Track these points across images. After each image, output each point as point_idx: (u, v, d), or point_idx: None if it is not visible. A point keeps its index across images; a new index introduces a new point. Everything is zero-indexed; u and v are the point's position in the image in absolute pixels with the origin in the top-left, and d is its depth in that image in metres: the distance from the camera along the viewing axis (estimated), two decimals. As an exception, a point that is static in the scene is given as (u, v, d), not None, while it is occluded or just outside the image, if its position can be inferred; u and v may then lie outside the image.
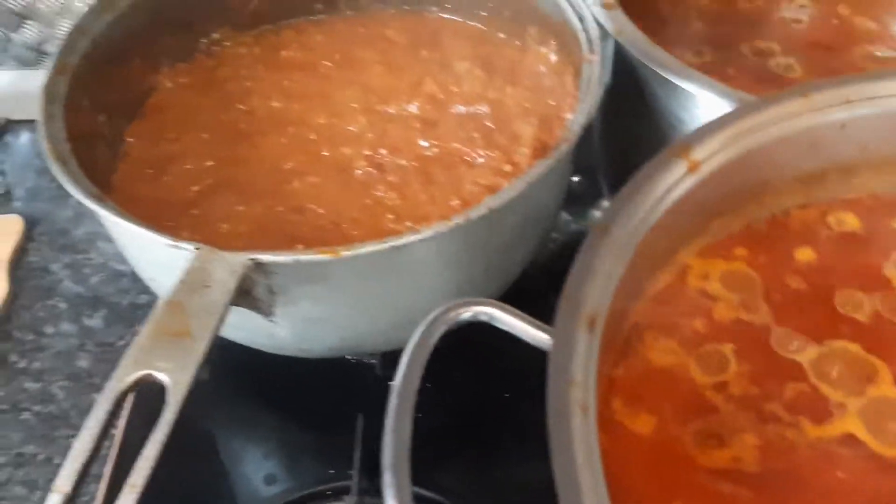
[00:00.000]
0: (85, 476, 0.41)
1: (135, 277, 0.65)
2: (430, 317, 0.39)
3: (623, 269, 0.39)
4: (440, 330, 0.39)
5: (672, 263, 0.46)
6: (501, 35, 0.75)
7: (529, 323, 0.38)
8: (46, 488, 0.65)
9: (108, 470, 0.66)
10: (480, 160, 0.64)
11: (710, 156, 0.43)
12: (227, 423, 0.70)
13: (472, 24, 0.77)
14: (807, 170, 0.48)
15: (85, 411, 0.69)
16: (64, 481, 0.40)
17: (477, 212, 0.51)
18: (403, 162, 0.64)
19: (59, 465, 0.67)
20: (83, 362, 0.74)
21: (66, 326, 0.77)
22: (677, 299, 0.45)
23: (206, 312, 0.46)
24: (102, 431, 0.42)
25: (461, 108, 0.68)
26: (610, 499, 0.36)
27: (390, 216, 0.61)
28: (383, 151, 0.65)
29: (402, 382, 0.37)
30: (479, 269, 0.56)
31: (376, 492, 0.61)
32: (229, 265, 0.48)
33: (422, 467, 0.61)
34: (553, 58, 0.69)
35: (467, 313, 0.39)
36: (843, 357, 0.42)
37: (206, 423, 0.68)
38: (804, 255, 0.47)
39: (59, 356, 0.75)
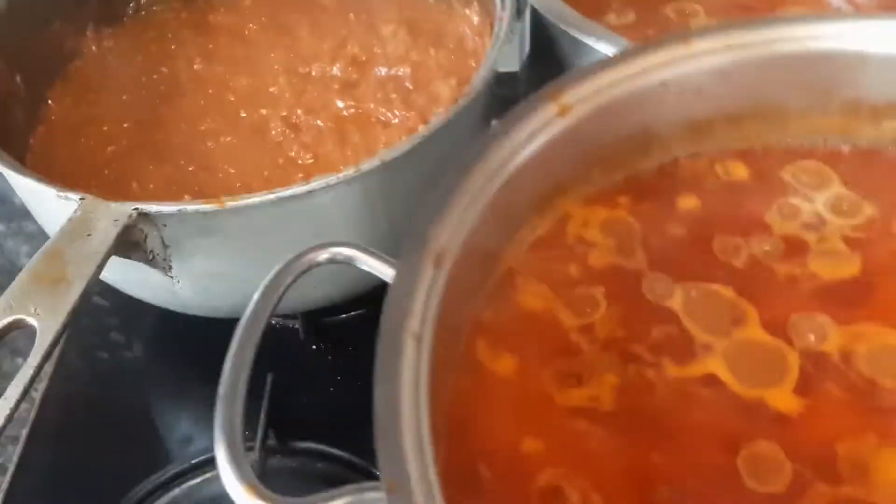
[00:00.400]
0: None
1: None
2: (285, 260, 0.38)
3: (481, 209, 0.39)
4: (296, 270, 0.39)
5: (552, 210, 0.45)
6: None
7: (384, 261, 0.38)
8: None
9: (25, 432, 0.66)
10: (396, 120, 0.64)
11: (583, 99, 0.43)
12: (159, 392, 0.70)
13: (401, -13, 0.76)
14: (695, 118, 0.47)
15: (4, 375, 0.71)
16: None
17: (368, 164, 0.50)
18: (319, 122, 0.64)
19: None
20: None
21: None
22: (554, 246, 0.45)
23: (84, 260, 0.46)
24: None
25: (382, 71, 0.68)
26: (461, 435, 0.36)
27: (300, 175, 0.61)
28: (300, 112, 0.65)
29: (248, 321, 0.37)
30: (381, 224, 0.56)
31: (281, 450, 0.61)
32: (112, 214, 0.48)
33: (347, 433, 0.62)
34: (475, 19, 0.69)
35: (325, 255, 0.39)
36: (713, 300, 0.42)
37: (140, 396, 0.67)
38: (687, 202, 0.46)
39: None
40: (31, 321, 0.43)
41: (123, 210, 0.48)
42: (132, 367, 0.71)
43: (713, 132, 0.48)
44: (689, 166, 0.48)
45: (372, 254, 0.39)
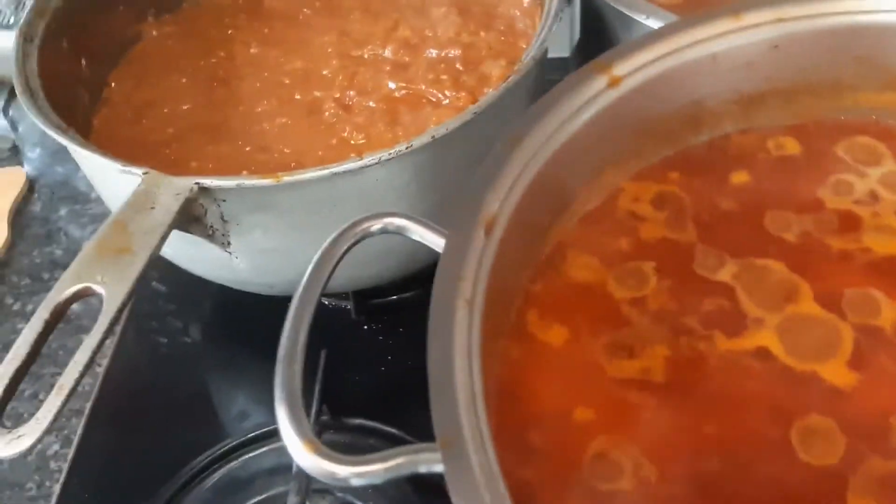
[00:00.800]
0: (18, 380, 0.43)
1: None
2: (341, 228, 0.39)
3: (530, 180, 0.39)
4: (350, 239, 0.40)
5: (603, 186, 0.46)
6: (480, -20, 0.75)
7: (435, 231, 0.39)
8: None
9: (88, 406, 0.68)
10: (446, 101, 0.64)
11: (633, 72, 0.43)
12: (215, 373, 0.72)
13: (453, -29, 0.77)
14: (746, 92, 0.47)
15: (71, 351, 0.73)
16: (-3, 381, 0.42)
17: (420, 140, 0.51)
18: (371, 103, 0.65)
19: (42, 401, 0.71)
20: (74, 306, 0.76)
21: (62, 273, 0.79)
22: (605, 220, 0.45)
23: (148, 232, 0.48)
24: (39, 339, 0.44)
25: (433, 52, 0.68)
26: (512, 402, 0.37)
27: (353, 154, 0.62)
28: (352, 93, 0.66)
29: (305, 286, 0.38)
30: (432, 201, 0.56)
31: (334, 425, 0.62)
32: (174, 188, 0.50)
33: (398, 411, 0.63)
34: (526, 1, 0.69)
35: (378, 224, 0.40)
36: (765, 274, 0.42)
37: (197, 379, 0.69)
38: (739, 177, 0.46)
39: (53, 299, 0.77)
40: (99, 289, 0.45)
41: (185, 184, 0.50)
42: (189, 350, 0.72)
43: (764, 107, 0.48)
44: (741, 141, 0.48)
45: (423, 224, 0.40)
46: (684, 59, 0.44)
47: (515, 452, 0.37)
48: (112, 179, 0.54)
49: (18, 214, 0.84)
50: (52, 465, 0.65)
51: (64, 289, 0.45)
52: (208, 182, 0.50)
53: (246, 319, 0.71)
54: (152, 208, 0.49)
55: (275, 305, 0.64)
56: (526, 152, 0.40)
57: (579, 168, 0.43)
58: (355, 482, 0.32)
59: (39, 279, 0.79)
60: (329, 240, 0.39)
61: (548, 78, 0.61)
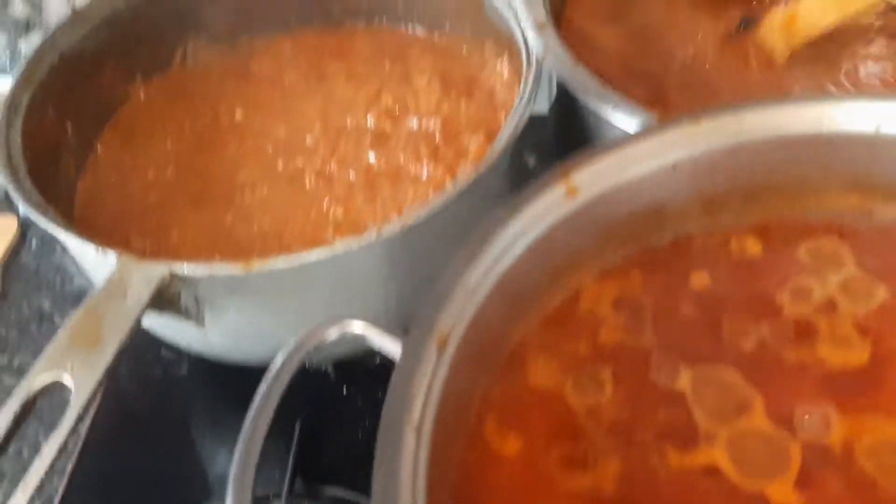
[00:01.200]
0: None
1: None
2: (292, 343, 0.40)
3: (488, 290, 0.40)
4: (305, 349, 0.40)
5: (564, 286, 0.46)
6: (464, 50, 0.76)
7: (394, 338, 0.39)
8: (13, 479, 0.69)
9: (70, 466, 0.69)
10: (424, 175, 0.65)
11: (590, 182, 0.44)
12: (202, 418, 0.72)
13: (438, 39, 0.78)
14: (707, 195, 0.48)
15: (58, 408, 0.74)
16: (-36, 477, 0.42)
17: (389, 229, 0.52)
18: (351, 176, 0.66)
19: (26, 458, 0.72)
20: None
21: (48, 326, 0.81)
22: (566, 321, 0.46)
23: (119, 321, 0.49)
24: (8, 433, 0.45)
25: (414, 122, 0.69)
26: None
27: (331, 229, 0.63)
28: (333, 164, 0.67)
29: (259, 403, 0.39)
30: (407, 281, 0.57)
31: (309, 494, 0.62)
32: (146, 275, 0.51)
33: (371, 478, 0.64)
34: (505, 73, 0.70)
35: (334, 332, 0.40)
36: (719, 384, 0.43)
37: (185, 417, 0.70)
38: (699, 280, 0.47)
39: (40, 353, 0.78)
40: (68, 382, 0.46)
41: (158, 271, 0.51)
42: (181, 385, 0.73)
43: (727, 207, 0.48)
44: (703, 241, 0.49)
45: (380, 332, 0.40)
46: (645, 169, 0.45)
47: (463, 569, 0.37)
48: (90, 258, 0.55)
49: (9, 264, 0.85)
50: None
51: (35, 379, 0.46)
52: (181, 269, 0.51)
53: (234, 376, 0.71)
54: (124, 296, 0.50)
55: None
56: (482, 264, 0.41)
57: (539, 273, 0.44)
58: None
59: (27, 332, 0.80)
60: (281, 356, 0.40)
61: (532, 136, 0.62)
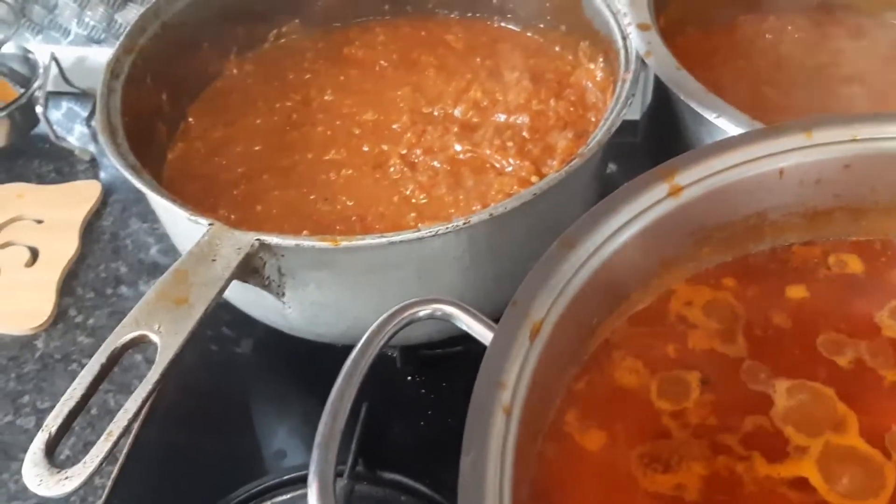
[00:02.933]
0: (72, 419, 0.44)
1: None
2: (389, 311, 0.40)
3: (583, 282, 0.40)
4: (397, 323, 0.40)
5: (656, 287, 0.46)
6: (557, 48, 0.75)
7: (483, 323, 0.39)
8: (79, 435, 0.71)
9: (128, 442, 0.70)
10: (510, 168, 0.65)
11: (695, 182, 0.43)
12: (260, 396, 0.73)
13: (531, 35, 0.77)
14: (811, 207, 0.47)
15: (127, 370, 0.76)
16: (51, 420, 0.43)
17: (478, 216, 0.52)
18: (436, 164, 0.66)
19: (95, 415, 0.73)
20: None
21: (125, 289, 0.82)
22: (655, 322, 0.45)
23: (208, 284, 0.49)
24: (94, 382, 0.46)
25: (502, 117, 0.69)
26: (537, 499, 0.37)
27: (413, 214, 0.63)
28: (418, 151, 0.67)
29: (350, 367, 0.39)
30: (486, 273, 0.57)
31: (369, 477, 0.63)
32: (236, 243, 0.51)
33: (433, 468, 0.64)
34: (599, 74, 0.70)
35: (426, 310, 0.40)
36: (813, 399, 0.41)
37: (242, 394, 0.71)
38: (796, 292, 0.46)
39: (114, 316, 0.80)
40: (154, 338, 0.47)
41: (247, 239, 0.51)
42: (239, 362, 0.74)
43: (831, 222, 0.47)
44: (802, 254, 0.47)
45: (472, 314, 0.40)
46: (749, 173, 0.44)
47: (540, 558, 0.37)
48: (180, 224, 0.56)
49: (89, 227, 0.87)
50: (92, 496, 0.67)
51: (123, 334, 0.47)
52: (269, 239, 0.51)
53: (298, 342, 0.72)
54: (213, 260, 0.51)
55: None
56: (579, 256, 0.40)
57: (633, 271, 0.43)
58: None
59: (103, 294, 0.82)
60: (374, 325, 0.40)
61: (616, 141, 0.61)
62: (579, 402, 0.42)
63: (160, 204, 0.56)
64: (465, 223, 0.52)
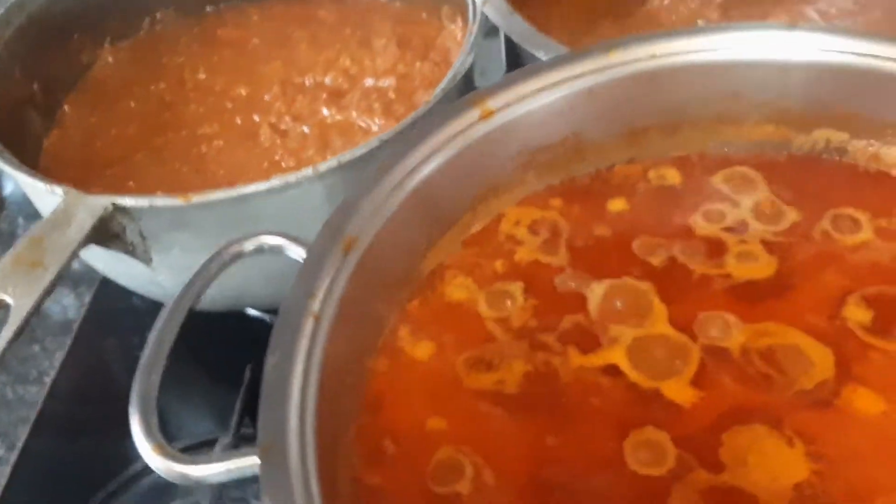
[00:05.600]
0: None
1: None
2: (217, 248, 0.42)
3: (400, 204, 0.42)
4: (224, 258, 0.42)
5: (486, 211, 0.48)
6: (424, 15, 0.78)
7: (303, 246, 0.41)
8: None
9: (34, 414, 0.71)
10: (375, 128, 0.67)
11: (506, 105, 0.45)
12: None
13: (399, 5, 0.80)
14: (626, 125, 0.49)
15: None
16: None
17: (326, 165, 0.54)
18: (305, 129, 0.68)
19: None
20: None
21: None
22: (485, 243, 0.47)
23: (61, 248, 0.51)
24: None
25: (370, 82, 0.71)
26: (374, 414, 0.39)
27: (282, 178, 0.65)
28: (288, 119, 0.69)
29: (173, 304, 0.40)
30: (349, 224, 0.59)
31: (254, 438, 0.64)
32: (89, 207, 0.53)
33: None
34: (459, 34, 0.72)
35: (251, 244, 0.42)
36: (626, 295, 0.44)
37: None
38: (616, 205, 0.48)
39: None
40: (7, 299, 0.48)
41: (101, 203, 0.53)
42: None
43: (648, 139, 0.50)
44: (624, 171, 0.50)
45: (301, 244, 0.42)
46: (558, 94, 0.46)
47: (368, 460, 0.39)
48: (41, 196, 0.58)
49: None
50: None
51: (-24, 298, 0.48)
52: (122, 201, 0.53)
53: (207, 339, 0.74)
54: (68, 226, 0.52)
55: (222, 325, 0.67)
56: (393, 179, 0.42)
57: (456, 193, 0.46)
58: (201, 480, 0.34)
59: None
60: (201, 263, 0.42)
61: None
62: (412, 319, 0.44)
63: (20, 178, 0.57)
64: (313, 171, 0.54)
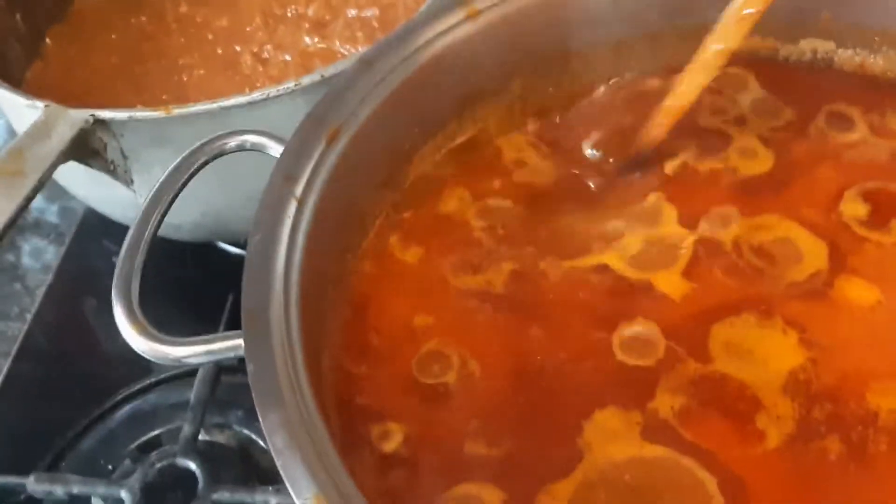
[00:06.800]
0: None
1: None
2: (199, 143, 0.41)
3: (383, 100, 0.41)
4: (206, 153, 0.41)
5: (472, 120, 0.47)
6: (411, -54, 0.77)
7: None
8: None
9: (15, 347, 0.70)
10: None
11: (493, 5, 0.45)
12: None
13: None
14: (616, 37, 0.49)
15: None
16: None
17: (309, 78, 0.53)
18: (287, 57, 0.67)
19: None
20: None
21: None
22: (485, 165, 0.47)
23: (41, 157, 0.50)
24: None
25: (353, 12, 0.71)
26: (361, 313, 0.39)
27: (261, 103, 0.64)
28: (269, 47, 0.68)
29: (161, 185, 0.39)
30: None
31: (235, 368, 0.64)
32: (71, 120, 0.52)
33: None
34: (445, -37, 0.71)
35: (234, 141, 0.41)
36: (634, 201, 0.44)
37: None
38: (621, 119, 0.48)
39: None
40: (-11, 207, 0.47)
41: (81, 115, 0.52)
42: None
43: (635, 53, 0.49)
44: (619, 85, 0.50)
45: (279, 140, 0.41)
46: (542, -3, 0.46)
47: (353, 351, 0.39)
48: (21, 113, 0.56)
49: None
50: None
51: (-46, 204, 0.47)
52: (102, 114, 0.52)
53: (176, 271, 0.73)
54: (48, 138, 0.51)
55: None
56: (376, 74, 0.42)
57: (440, 95, 0.45)
58: (183, 360, 0.34)
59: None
60: (190, 149, 0.41)
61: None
62: (404, 227, 0.44)
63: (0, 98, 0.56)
64: (295, 85, 0.53)
